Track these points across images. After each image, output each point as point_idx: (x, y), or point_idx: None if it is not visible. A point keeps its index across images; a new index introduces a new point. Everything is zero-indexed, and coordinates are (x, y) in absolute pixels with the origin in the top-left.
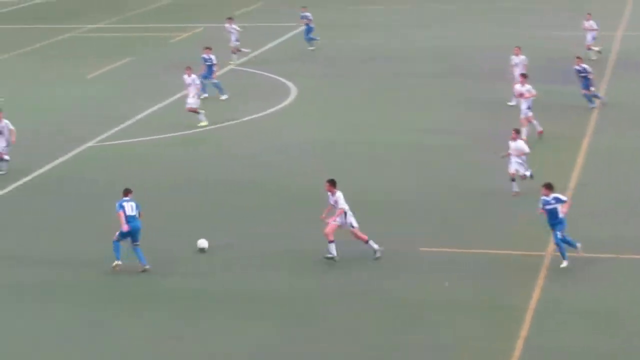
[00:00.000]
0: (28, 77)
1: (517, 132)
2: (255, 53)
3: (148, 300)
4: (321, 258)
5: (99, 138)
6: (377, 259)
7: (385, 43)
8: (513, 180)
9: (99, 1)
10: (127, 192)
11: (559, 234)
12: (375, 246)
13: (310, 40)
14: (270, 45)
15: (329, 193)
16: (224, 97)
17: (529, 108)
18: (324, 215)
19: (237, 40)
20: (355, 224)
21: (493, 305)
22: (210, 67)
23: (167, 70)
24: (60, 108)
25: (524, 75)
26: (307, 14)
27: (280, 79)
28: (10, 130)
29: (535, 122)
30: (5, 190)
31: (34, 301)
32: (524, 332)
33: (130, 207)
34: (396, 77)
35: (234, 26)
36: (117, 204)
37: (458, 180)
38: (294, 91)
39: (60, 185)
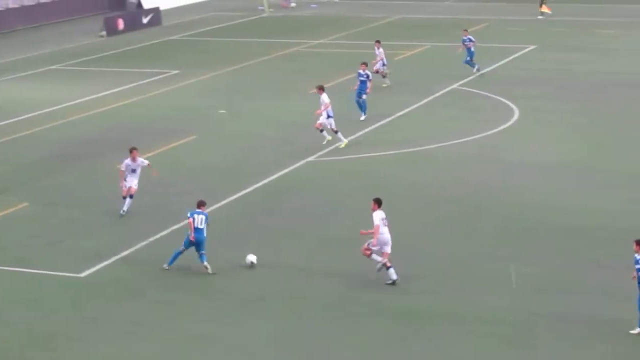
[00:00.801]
0: (252, 90)
1: None
2: (481, 72)
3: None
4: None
5: (320, 153)
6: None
7: (616, 68)
8: None
9: (324, 19)
10: (200, 204)
11: None
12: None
13: (470, 64)
14: (494, 65)
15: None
16: (363, 117)
17: None
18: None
19: (383, 65)
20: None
21: None
22: (364, 83)
23: (390, 89)
24: (282, 121)
25: None
26: (469, 37)
27: (503, 100)
28: (146, 165)
29: None
30: (229, 200)
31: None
32: None
33: (200, 220)
34: (628, 102)
35: (380, 50)
36: (188, 213)
37: None
38: (516, 113)
39: (285, 198)
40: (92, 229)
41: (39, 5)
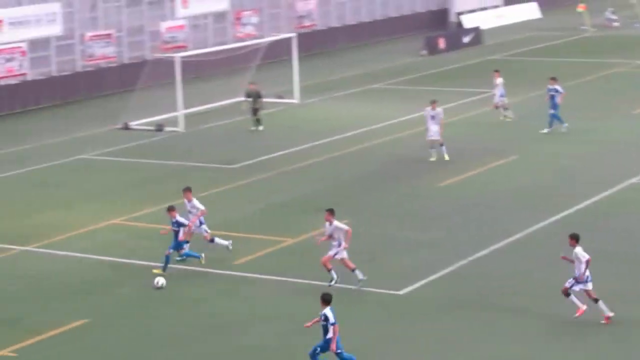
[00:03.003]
0: (572, 109)
1: None
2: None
3: None
4: None
5: None
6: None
7: None
8: None
9: None
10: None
11: None
12: (360, 275)
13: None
14: None
15: (327, 222)
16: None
17: None
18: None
19: (502, 95)
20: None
21: None
22: (553, 98)
23: None
24: (602, 141)
25: None
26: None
27: None
28: (201, 210)
29: None
30: (549, 221)
31: None
32: None
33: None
34: None
35: (500, 79)
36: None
37: None
38: None
39: (607, 220)
40: (411, 246)
41: (361, 24)
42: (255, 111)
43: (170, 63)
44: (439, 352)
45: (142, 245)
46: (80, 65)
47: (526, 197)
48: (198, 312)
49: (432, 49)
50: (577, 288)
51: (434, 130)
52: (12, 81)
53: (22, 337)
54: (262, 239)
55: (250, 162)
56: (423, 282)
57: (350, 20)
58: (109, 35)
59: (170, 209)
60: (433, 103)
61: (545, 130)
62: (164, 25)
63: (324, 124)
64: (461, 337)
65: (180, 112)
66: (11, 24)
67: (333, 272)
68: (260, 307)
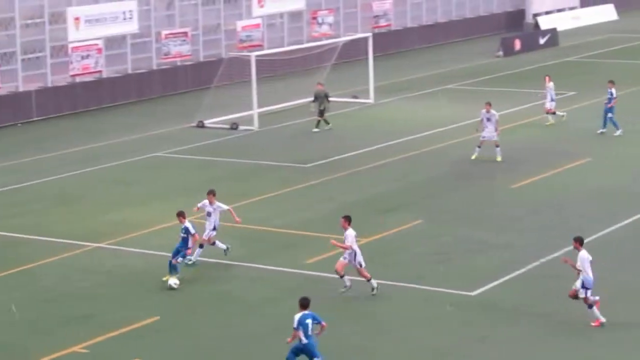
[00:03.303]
0: None
1: None
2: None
3: None
4: None
5: None
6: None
7: None
8: None
9: None
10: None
11: None
12: (374, 284)
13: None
14: None
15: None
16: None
17: None
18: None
19: (552, 99)
20: (363, 263)
21: None
22: (610, 100)
23: None
24: None
25: None
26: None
27: None
28: (227, 209)
29: None
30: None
31: None
32: None
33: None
34: None
35: (551, 84)
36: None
37: None
38: None
39: None
40: (484, 247)
41: (437, 25)
42: (321, 112)
43: (245, 62)
44: (519, 354)
45: None
46: (155, 63)
47: (601, 199)
48: (266, 312)
49: (508, 50)
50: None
51: (488, 132)
52: (88, 78)
53: (94, 333)
54: (334, 239)
55: (324, 161)
56: (495, 283)
57: (426, 20)
58: (185, 33)
59: (180, 215)
60: (487, 105)
61: (599, 131)
62: (240, 24)
63: (398, 124)
64: (538, 339)
65: (255, 111)
66: (88, 21)
67: (346, 279)
68: (331, 307)
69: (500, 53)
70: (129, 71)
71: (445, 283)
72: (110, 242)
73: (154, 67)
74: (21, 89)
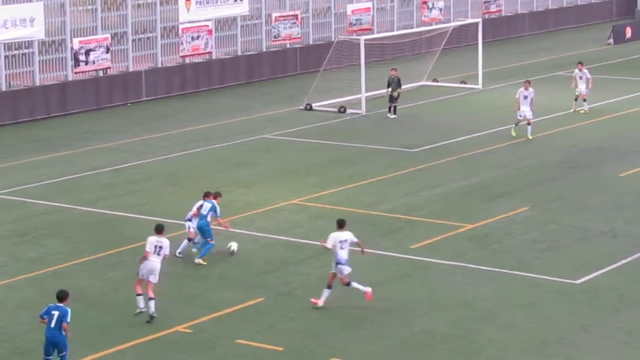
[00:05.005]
0: None
1: None
2: None
3: None
4: None
5: None
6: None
7: None
8: None
9: None
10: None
11: None
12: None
13: None
14: None
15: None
16: None
17: None
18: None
19: (587, 87)
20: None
21: None
22: None
23: None
24: None
25: None
26: None
27: None
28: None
29: None
30: None
31: None
32: None
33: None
34: None
35: (585, 71)
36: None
37: None
38: None
39: None
40: (589, 236)
41: (547, 11)
42: (392, 98)
43: (354, 45)
44: (623, 344)
45: (319, 226)
46: (265, 45)
47: None
48: (374, 296)
49: (619, 38)
50: None
51: (525, 110)
52: (198, 60)
53: (199, 313)
54: (441, 224)
55: (431, 146)
56: (600, 272)
57: (537, 6)
58: (295, 16)
59: (209, 195)
60: (527, 83)
61: None
62: (350, 8)
63: (506, 111)
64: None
65: (363, 95)
66: (199, 3)
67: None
68: (435, 292)
69: (611, 41)
70: (239, 53)
71: (550, 271)
72: (217, 223)
73: (264, 50)
74: (131, 69)
